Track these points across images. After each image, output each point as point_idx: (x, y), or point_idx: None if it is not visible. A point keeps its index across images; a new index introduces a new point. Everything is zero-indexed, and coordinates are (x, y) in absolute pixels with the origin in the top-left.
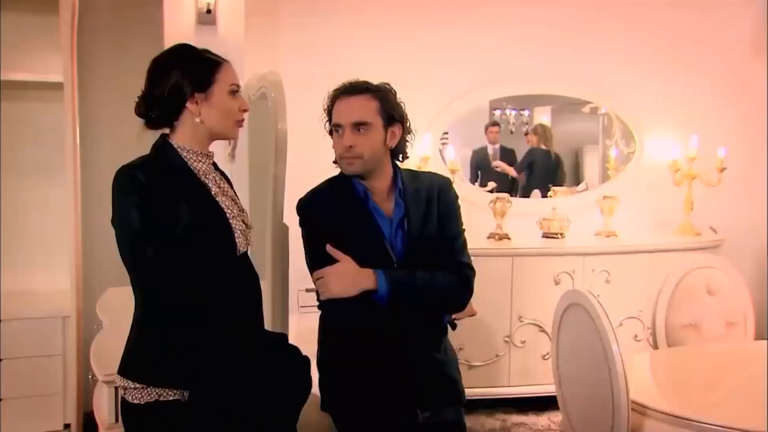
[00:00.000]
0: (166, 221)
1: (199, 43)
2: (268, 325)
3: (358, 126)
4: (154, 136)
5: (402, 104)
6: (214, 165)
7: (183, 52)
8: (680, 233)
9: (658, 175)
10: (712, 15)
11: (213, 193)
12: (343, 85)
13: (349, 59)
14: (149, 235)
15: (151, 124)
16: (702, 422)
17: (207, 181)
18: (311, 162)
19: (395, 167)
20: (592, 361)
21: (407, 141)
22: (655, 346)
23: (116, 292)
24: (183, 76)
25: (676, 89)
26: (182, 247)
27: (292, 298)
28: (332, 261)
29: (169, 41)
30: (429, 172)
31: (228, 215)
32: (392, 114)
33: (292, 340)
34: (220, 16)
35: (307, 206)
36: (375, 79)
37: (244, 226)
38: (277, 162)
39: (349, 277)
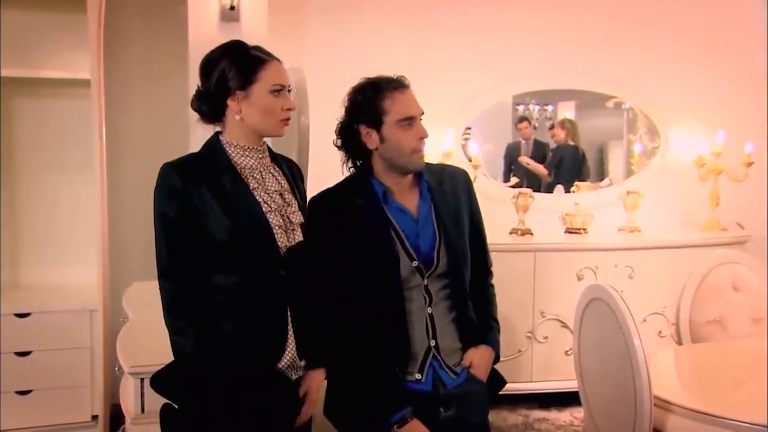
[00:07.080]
0: (192, 218)
1: (221, 39)
2: None
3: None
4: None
5: None
6: (278, 158)
7: (228, 49)
8: (706, 229)
9: (683, 171)
10: (738, 11)
11: (251, 188)
12: (395, 79)
13: (373, 55)
14: (170, 233)
15: (203, 118)
16: (726, 418)
17: (248, 177)
18: (334, 157)
19: None
20: (615, 355)
21: None
22: (680, 342)
23: (141, 286)
24: (225, 73)
25: (701, 84)
26: (214, 243)
27: None
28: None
29: (193, 38)
30: (442, 164)
31: (264, 209)
32: None
33: None
34: (244, 12)
35: (316, 205)
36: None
37: (283, 221)
38: (300, 156)
39: None
